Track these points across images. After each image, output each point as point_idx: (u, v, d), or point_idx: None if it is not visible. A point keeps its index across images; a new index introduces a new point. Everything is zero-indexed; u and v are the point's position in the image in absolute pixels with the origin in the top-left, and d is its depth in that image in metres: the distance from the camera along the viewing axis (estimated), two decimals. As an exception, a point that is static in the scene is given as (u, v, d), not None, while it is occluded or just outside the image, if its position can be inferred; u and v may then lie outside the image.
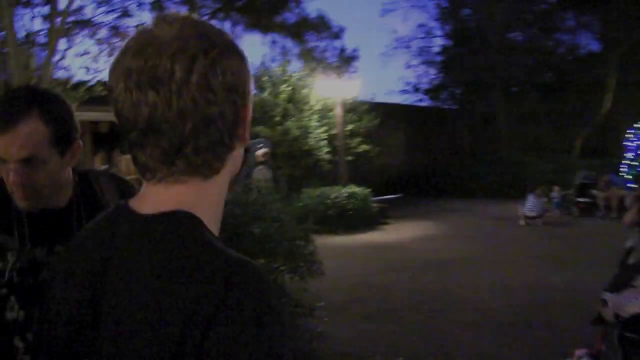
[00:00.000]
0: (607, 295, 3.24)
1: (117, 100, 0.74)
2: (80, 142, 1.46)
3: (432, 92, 25.32)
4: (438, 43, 26.57)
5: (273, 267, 4.59)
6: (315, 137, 14.97)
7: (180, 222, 0.73)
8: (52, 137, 1.33)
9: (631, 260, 3.63)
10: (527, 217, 12.17)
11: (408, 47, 27.25)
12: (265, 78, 15.20)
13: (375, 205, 13.35)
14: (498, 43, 22.69)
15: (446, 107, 24.84)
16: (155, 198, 0.77)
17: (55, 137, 1.34)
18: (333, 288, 7.11)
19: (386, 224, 13.45)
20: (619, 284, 3.25)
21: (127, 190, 1.59)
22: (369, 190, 13.28)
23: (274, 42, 9.44)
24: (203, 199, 0.77)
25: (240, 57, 0.79)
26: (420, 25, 31.04)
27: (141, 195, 0.79)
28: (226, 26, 8.70)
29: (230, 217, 4.93)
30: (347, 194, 12.73)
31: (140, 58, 0.72)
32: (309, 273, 5.05)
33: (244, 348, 0.63)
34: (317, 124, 15.08)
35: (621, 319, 3.08)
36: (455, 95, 24.73)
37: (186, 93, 0.71)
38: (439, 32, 26.89)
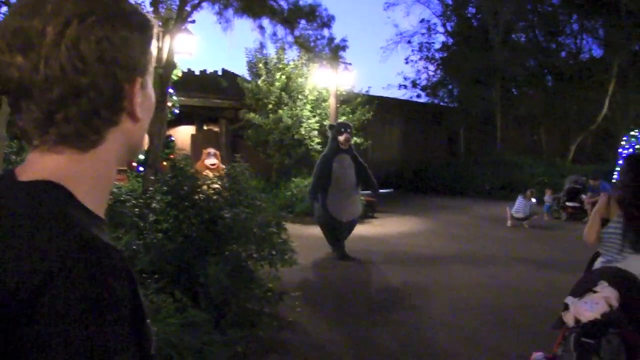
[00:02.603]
0: (570, 299, 3.21)
1: None
2: None
3: (431, 88, 25.27)
4: (439, 40, 26.59)
5: (241, 253, 4.55)
6: (307, 127, 14.91)
7: (39, 191, 0.71)
8: None
9: (596, 265, 3.61)
10: (514, 219, 12.17)
11: (409, 42, 27.31)
12: (260, 65, 15.13)
13: (363, 198, 13.29)
14: (500, 43, 22.61)
15: (444, 104, 24.78)
16: (31, 165, 0.75)
17: None
18: (311, 279, 7.09)
19: (374, 217, 13.43)
20: (581, 289, 3.22)
21: None
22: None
23: (261, 28, 9.26)
24: (80, 171, 0.75)
25: (130, 28, 0.75)
26: (423, 21, 31.17)
27: (25, 161, 0.78)
28: (215, 9, 8.52)
29: (205, 202, 4.91)
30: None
31: (17, 18, 0.70)
32: (280, 261, 5.02)
33: (62, 333, 0.60)
34: (309, 113, 15.02)
35: (580, 323, 3.04)
36: (453, 93, 24.65)
37: (54, 59, 0.69)
38: (441, 29, 26.90)
